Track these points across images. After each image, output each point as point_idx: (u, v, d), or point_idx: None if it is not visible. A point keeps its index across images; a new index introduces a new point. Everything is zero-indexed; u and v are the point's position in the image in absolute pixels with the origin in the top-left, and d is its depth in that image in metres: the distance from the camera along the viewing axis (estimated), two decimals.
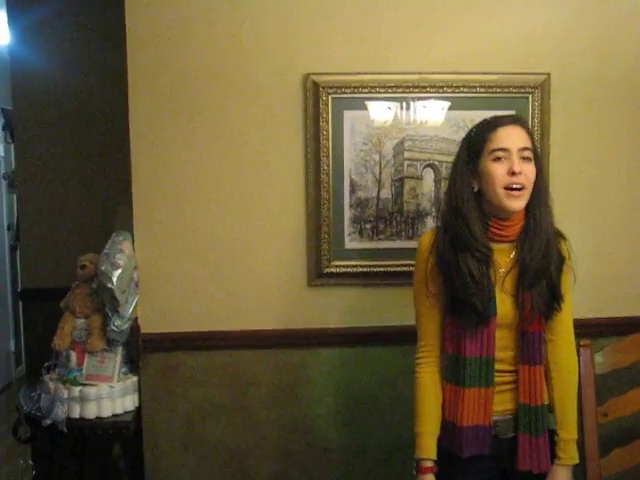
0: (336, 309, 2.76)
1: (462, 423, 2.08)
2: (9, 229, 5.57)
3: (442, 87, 2.70)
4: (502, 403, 2.12)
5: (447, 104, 2.69)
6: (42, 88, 3.73)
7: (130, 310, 2.66)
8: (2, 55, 4.12)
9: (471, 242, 2.06)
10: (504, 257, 2.12)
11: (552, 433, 2.15)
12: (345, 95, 2.68)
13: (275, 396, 2.78)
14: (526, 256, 2.08)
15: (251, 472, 2.79)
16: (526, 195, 2.06)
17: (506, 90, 2.72)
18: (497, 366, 2.10)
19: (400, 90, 2.69)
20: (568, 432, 2.15)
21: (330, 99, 2.67)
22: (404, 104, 2.70)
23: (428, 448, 2.11)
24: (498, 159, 2.04)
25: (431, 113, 2.70)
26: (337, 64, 2.68)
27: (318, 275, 2.73)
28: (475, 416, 2.08)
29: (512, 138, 2.04)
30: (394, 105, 2.69)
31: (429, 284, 2.13)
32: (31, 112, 3.74)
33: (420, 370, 2.17)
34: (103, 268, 2.61)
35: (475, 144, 2.09)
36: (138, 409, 2.73)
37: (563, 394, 2.18)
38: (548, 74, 2.72)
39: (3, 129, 5.48)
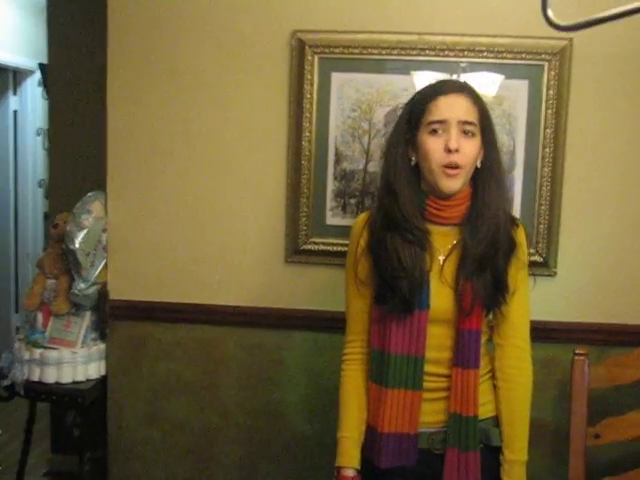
0: (313, 290, 2.53)
1: (382, 429, 1.81)
2: (40, 186, 5.64)
3: (444, 50, 2.39)
4: (435, 413, 1.83)
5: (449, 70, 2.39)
6: (77, 42, 3.66)
7: (95, 274, 2.54)
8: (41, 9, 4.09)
9: (401, 222, 1.79)
10: (445, 242, 1.84)
11: (498, 452, 1.86)
12: (333, 55, 2.42)
13: (244, 378, 2.59)
14: (468, 242, 1.80)
15: (216, 454, 2.63)
16: (463, 175, 1.77)
17: (519, 56, 2.37)
18: (430, 368, 1.82)
19: (396, 52, 2.40)
20: (514, 453, 1.85)
21: (316, 59, 2.42)
22: (399, 68, 2.41)
23: (348, 456, 1.86)
24: (435, 132, 1.76)
25: (429, 79, 2.40)
26: (328, 21, 2.42)
27: (295, 252, 2.51)
28: (398, 422, 1.80)
29: (452, 109, 1.75)
30: (388, 68, 2.42)
31: (358, 270, 1.87)
32: (66, 67, 3.69)
33: (345, 368, 1.92)
34: (68, 228, 2.50)
35: (415, 112, 1.80)
36: (104, 378, 2.62)
37: (509, 408, 1.87)
38: (570, 39, 2.35)
39: (39, 85, 5.51)
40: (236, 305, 2.56)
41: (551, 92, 2.37)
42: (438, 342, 1.82)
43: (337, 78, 2.44)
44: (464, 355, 1.80)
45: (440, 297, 1.81)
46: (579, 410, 2.19)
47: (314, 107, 2.44)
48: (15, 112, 5.61)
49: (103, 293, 2.57)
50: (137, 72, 2.53)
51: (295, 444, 2.60)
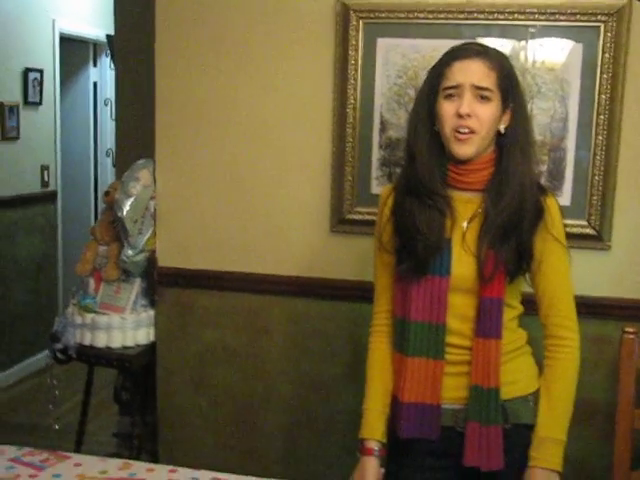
0: (358, 260, 2.49)
1: (403, 398, 1.77)
2: (108, 155, 5.73)
3: (492, 13, 2.30)
4: (459, 389, 1.77)
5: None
6: (141, 13, 3.70)
7: (143, 241, 2.57)
8: None
9: (419, 187, 1.76)
10: (468, 208, 1.78)
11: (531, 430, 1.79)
12: (379, 20, 2.37)
13: (288, 348, 2.59)
14: (491, 209, 1.73)
15: (259, 422, 2.64)
16: (476, 140, 1.71)
17: (572, 18, 2.26)
18: (453, 339, 1.77)
19: (442, 16, 2.33)
20: (545, 429, 1.76)
21: (361, 24, 2.37)
22: (446, 32, 2.33)
23: (371, 427, 1.83)
24: (450, 97, 1.72)
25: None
26: None
27: (340, 221, 2.48)
28: (419, 392, 1.76)
29: (467, 74, 1.70)
30: (435, 33, 2.34)
31: (383, 238, 1.84)
32: (130, 38, 3.73)
33: (372, 340, 1.90)
34: (116, 196, 2.54)
35: (434, 78, 1.76)
36: (153, 344, 2.67)
37: (546, 385, 1.79)
38: None
39: (106, 56, 5.59)
40: (281, 274, 2.56)
41: (607, 56, 2.24)
42: (461, 312, 1.76)
43: (382, 44, 2.38)
44: (485, 324, 1.74)
45: (462, 264, 1.75)
46: (627, 391, 2.08)
47: (359, 74, 2.40)
48: (95, 84, 5.75)
49: (152, 260, 2.61)
50: (184, 42, 2.54)
51: (338, 415, 2.58)
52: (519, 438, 1.79)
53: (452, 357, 1.78)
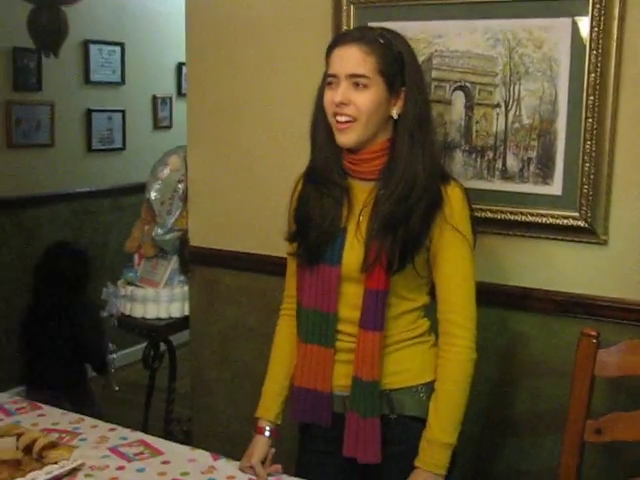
0: None
1: (295, 382, 1.81)
2: None
3: None
4: (348, 377, 1.76)
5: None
6: None
7: (172, 221, 2.77)
8: None
9: (316, 174, 1.78)
10: (364, 198, 1.75)
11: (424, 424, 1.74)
12: (369, 4, 2.33)
13: None
14: (380, 197, 1.70)
15: None
16: (357, 128, 1.68)
17: None
18: (345, 327, 1.76)
19: None
20: (432, 430, 1.70)
21: (352, 9, 2.35)
22: (432, 13, 2.24)
23: (266, 408, 1.88)
24: (330, 84, 1.71)
25: (464, 24, 2.20)
26: None
27: None
28: (311, 378, 1.78)
29: (342, 62, 1.68)
30: (421, 14, 2.26)
31: (290, 224, 1.85)
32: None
33: (279, 323, 1.96)
34: (147, 180, 2.76)
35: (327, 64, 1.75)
36: (186, 318, 2.86)
37: (437, 385, 1.74)
38: None
39: None
40: None
41: (596, 29, 2.03)
42: (352, 301, 1.75)
43: None
44: (366, 316, 1.71)
45: (352, 253, 1.73)
46: (579, 397, 1.89)
47: None
48: None
49: (184, 240, 2.80)
50: (215, 31, 2.67)
51: None
52: (404, 429, 1.75)
53: (344, 344, 1.77)
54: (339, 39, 1.74)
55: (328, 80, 1.71)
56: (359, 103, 1.66)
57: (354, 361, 1.73)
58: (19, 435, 1.85)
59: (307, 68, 2.48)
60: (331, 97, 1.69)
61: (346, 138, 1.69)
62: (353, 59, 1.66)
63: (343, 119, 1.67)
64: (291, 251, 1.87)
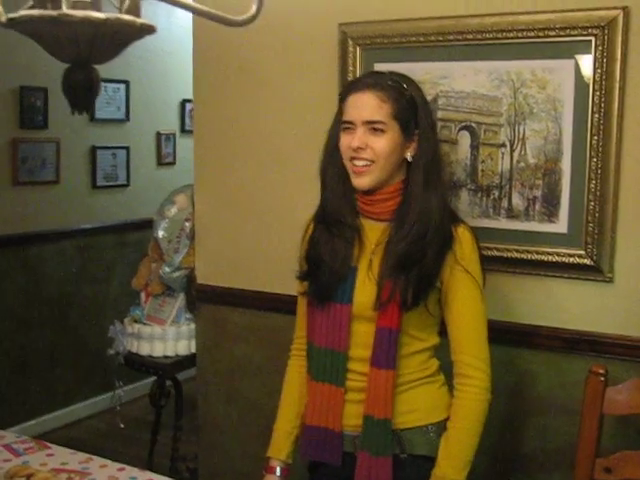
0: None
1: (307, 421, 1.82)
2: None
3: (481, 32, 2.20)
4: (358, 416, 1.77)
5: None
6: None
7: (179, 259, 2.79)
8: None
9: (328, 215, 1.81)
10: (377, 238, 1.79)
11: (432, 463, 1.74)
12: (375, 46, 2.37)
13: None
14: (393, 237, 1.73)
15: None
16: (374, 171, 1.72)
17: (562, 33, 2.11)
18: (357, 366, 1.78)
19: (433, 38, 2.28)
20: (441, 468, 1.71)
21: (359, 51, 2.39)
22: (437, 55, 2.28)
23: (277, 447, 1.89)
24: (347, 129, 1.76)
25: (469, 65, 2.24)
26: (372, 12, 2.38)
27: None
28: (322, 417, 1.79)
29: (358, 109, 1.73)
30: (426, 56, 2.30)
31: (302, 264, 1.87)
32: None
33: (289, 363, 1.99)
34: (154, 218, 2.78)
35: (338, 111, 1.81)
36: (193, 356, 2.86)
37: (450, 424, 1.74)
38: (624, 8, 2.03)
39: None
40: None
41: (599, 71, 2.07)
42: (363, 340, 1.77)
43: (380, 69, 2.37)
44: (378, 354, 1.73)
45: (363, 292, 1.76)
46: (588, 436, 1.90)
47: None
48: None
49: (191, 278, 2.81)
50: (221, 72, 2.71)
51: None
52: (415, 469, 1.75)
53: (354, 384, 1.78)
54: (353, 86, 1.78)
55: (344, 126, 1.75)
56: (376, 147, 1.71)
57: (365, 400, 1.74)
58: (29, 476, 1.85)
59: (314, 109, 2.53)
60: (348, 142, 1.72)
61: (363, 181, 1.73)
62: (369, 106, 1.71)
63: (361, 163, 1.71)
64: (302, 290, 1.89)
